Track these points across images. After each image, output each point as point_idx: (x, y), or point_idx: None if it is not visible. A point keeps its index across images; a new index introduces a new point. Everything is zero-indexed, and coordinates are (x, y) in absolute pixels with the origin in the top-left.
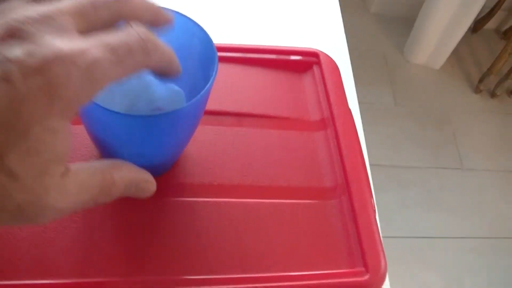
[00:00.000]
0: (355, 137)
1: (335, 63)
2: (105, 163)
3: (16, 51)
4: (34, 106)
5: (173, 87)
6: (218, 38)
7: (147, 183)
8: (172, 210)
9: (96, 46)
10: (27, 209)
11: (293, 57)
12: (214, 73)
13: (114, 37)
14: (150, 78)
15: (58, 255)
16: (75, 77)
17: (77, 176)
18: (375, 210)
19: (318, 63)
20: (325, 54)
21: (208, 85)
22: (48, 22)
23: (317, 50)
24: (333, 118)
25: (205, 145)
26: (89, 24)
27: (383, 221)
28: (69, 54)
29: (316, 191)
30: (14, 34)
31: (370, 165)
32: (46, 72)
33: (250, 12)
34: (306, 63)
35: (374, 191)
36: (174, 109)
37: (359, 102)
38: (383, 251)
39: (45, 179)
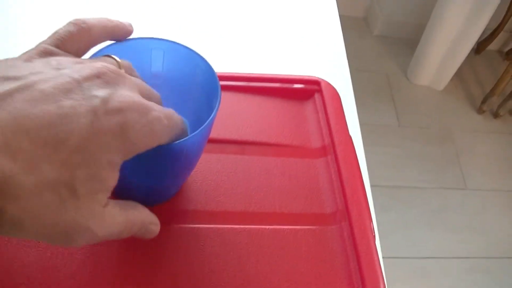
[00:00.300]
0: (355, 163)
1: (336, 91)
2: (126, 202)
3: (102, 91)
4: (109, 139)
5: None
6: (221, 66)
7: (156, 225)
8: (176, 237)
9: (157, 109)
10: (72, 228)
11: (295, 85)
12: (217, 104)
13: (167, 110)
14: None
15: (64, 280)
16: (142, 125)
17: (112, 210)
18: (374, 236)
19: (320, 91)
20: (326, 82)
21: (211, 116)
22: (124, 76)
23: (319, 78)
24: (334, 145)
25: (208, 173)
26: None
27: (385, 241)
28: (141, 106)
29: (317, 217)
30: (100, 77)
31: (373, 185)
32: (123, 114)
33: (252, 40)
34: (307, 91)
35: (377, 211)
36: (178, 140)
37: (363, 123)
38: (382, 276)
39: (94, 205)
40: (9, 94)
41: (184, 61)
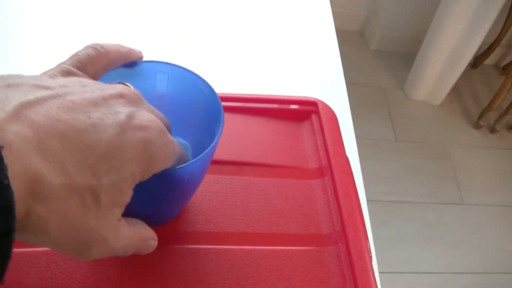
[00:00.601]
0: (352, 184)
1: (333, 112)
2: (131, 219)
3: (127, 109)
4: (133, 152)
5: (180, 140)
6: (218, 87)
7: (154, 241)
8: (175, 257)
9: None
10: (91, 237)
11: (292, 106)
12: (220, 130)
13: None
14: None
15: None
16: (161, 144)
17: (123, 224)
18: (371, 256)
19: (317, 112)
20: (324, 103)
21: (213, 142)
22: (143, 100)
23: (316, 99)
24: (331, 167)
25: (206, 194)
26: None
27: (382, 256)
28: (161, 127)
29: (314, 238)
30: (123, 97)
31: (370, 200)
32: (147, 131)
33: (249, 60)
34: (304, 112)
35: (374, 226)
36: (180, 165)
37: (360, 138)
38: None
39: (112, 217)
40: (44, 99)
41: (187, 85)
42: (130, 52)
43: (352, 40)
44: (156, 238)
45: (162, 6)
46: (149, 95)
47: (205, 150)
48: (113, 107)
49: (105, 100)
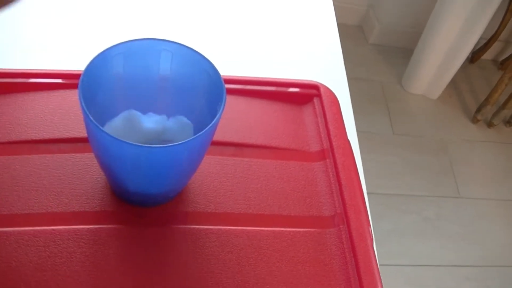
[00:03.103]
0: (354, 167)
1: (335, 96)
2: None
3: None
4: None
5: (182, 119)
6: (221, 70)
7: None
8: (175, 237)
9: None
10: None
11: (294, 90)
12: (221, 108)
13: None
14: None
15: (64, 279)
16: None
17: None
18: (372, 239)
19: (319, 96)
20: (325, 86)
21: (214, 120)
22: None
23: (318, 82)
24: (332, 149)
25: (207, 175)
26: None
27: (380, 249)
28: None
29: (315, 220)
30: None
31: (368, 193)
32: None
33: (253, 45)
34: (307, 95)
35: (371, 219)
36: (182, 141)
37: (358, 131)
38: (380, 279)
39: None
40: None
41: (191, 65)
42: None
43: (351, 34)
44: None
45: None
46: (153, 73)
47: None
48: None
49: None
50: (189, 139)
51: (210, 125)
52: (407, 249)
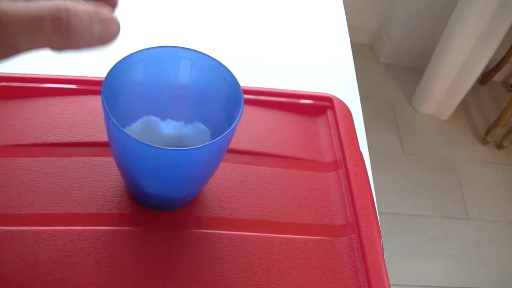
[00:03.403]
0: (365, 178)
1: (348, 108)
2: None
3: None
4: None
5: (200, 125)
6: (240, 80)
7: (116, 23)
8: (189, 241)
9: None
10: None
11: (308, 101)
12: (239, 115)
13: None
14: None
15: (80, 278)
16: None
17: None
18: (383, 248)
19: (332, 108)
20: (339, 99)
21: (232, 126)
22: None
23: (331, 95)
24: (345, 160)
25: (223, 181)
26: None
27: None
28: None
29: (327, 228)
30: None
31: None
32: None
33: (269, 58)
34: (320, 107)
35: None
36: (200, 145)
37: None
38: (389, 287)
39: None
40: None
41: (210, 72)
42: None
43: (362, 53)
44: (118, 21)
45: None
46: (172, 79)
47: None
48: None
49: None
50: (207, 143)
51: (229, 130)
52: (413, 269)
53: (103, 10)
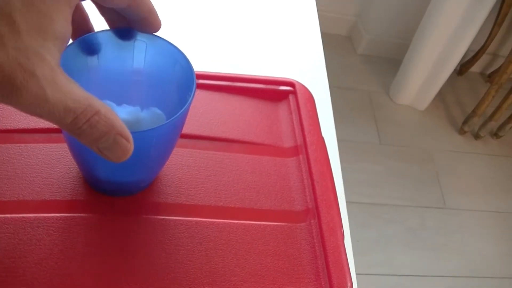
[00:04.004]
0: (327, 163)
1: (310, 93)
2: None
3: None
4: None
5: (156, 110)
6: (198, 65)
7: (128, 143)
8: (144, 228)
9: None
10: (14, 70)
11: (270, 86)
12: (191, 97)
13: None
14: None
15: (31, 266)
16: None
17: (67, 79)
18: (343, 234)
19: (294, 93)
20: (301, 84)
21: (182, 109)
22: None
23: (293, 80)
24: (306, 145)
25: (180, 167)
26: None
27: (362, 257)
28: None
29: (286, 214)
30: None
31: (353, 202)
32: None
33: (233, 42)
34: (282, 93)
35: (356, 228)
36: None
37: (344, 140)
38: (349, 273)
39: (41, 51)
40: None
41: (164, 56)
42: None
43: (339, 44)
44: (131, 139)
45: None
46: (127, 63)
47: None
48: None
49: None
50: (158, 125)
51: (178, 113)
52: (390, 259)
53: (121, 129)
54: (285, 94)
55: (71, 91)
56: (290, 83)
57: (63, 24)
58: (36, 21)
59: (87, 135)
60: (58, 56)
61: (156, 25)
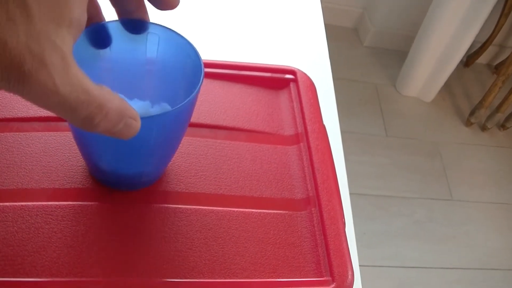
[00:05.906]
0: (328, 152)
1: (311, 81)
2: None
3: None
4: None
5: (166, 106)
6: (202, 54)
7: (136, 121)
8: (144, 216)
9: None
10: (23, 55)
11: (271, 74)
12: (198, 86)
13: None
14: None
15: (30, 254)
16: None
17: (79, 71)
18: (344, 223)
19: (295, 81)
20: (302, 72)
21: (190, 97)
22: None
23: (294, 68)
24: (307, 133)
25: (180, 155)
26: None
27: (370, 250)
28: None
29: (287, 202)
30: None
31: (360, 194)
32: None
33: (237, 33)
34: (283, 81)
35: (363, 220)
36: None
37: (351, 132)
38: (350, 261)
39: (54, 38)
40: None
41: (176, 49)
42: None
43: (346, 36)
44: (139, 119)
45: None
46: (139, 56)
47: None
48: None
49: None
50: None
51: (187, 99)
52: (397, 251)
53: (130, 112)
54: (286, 82)
55: (83, 82)
56: (291, 71)
57: (79, 11)
58: (50, 5)
59: (101, 127)
60: (71, 44)
61: (175, 1)
